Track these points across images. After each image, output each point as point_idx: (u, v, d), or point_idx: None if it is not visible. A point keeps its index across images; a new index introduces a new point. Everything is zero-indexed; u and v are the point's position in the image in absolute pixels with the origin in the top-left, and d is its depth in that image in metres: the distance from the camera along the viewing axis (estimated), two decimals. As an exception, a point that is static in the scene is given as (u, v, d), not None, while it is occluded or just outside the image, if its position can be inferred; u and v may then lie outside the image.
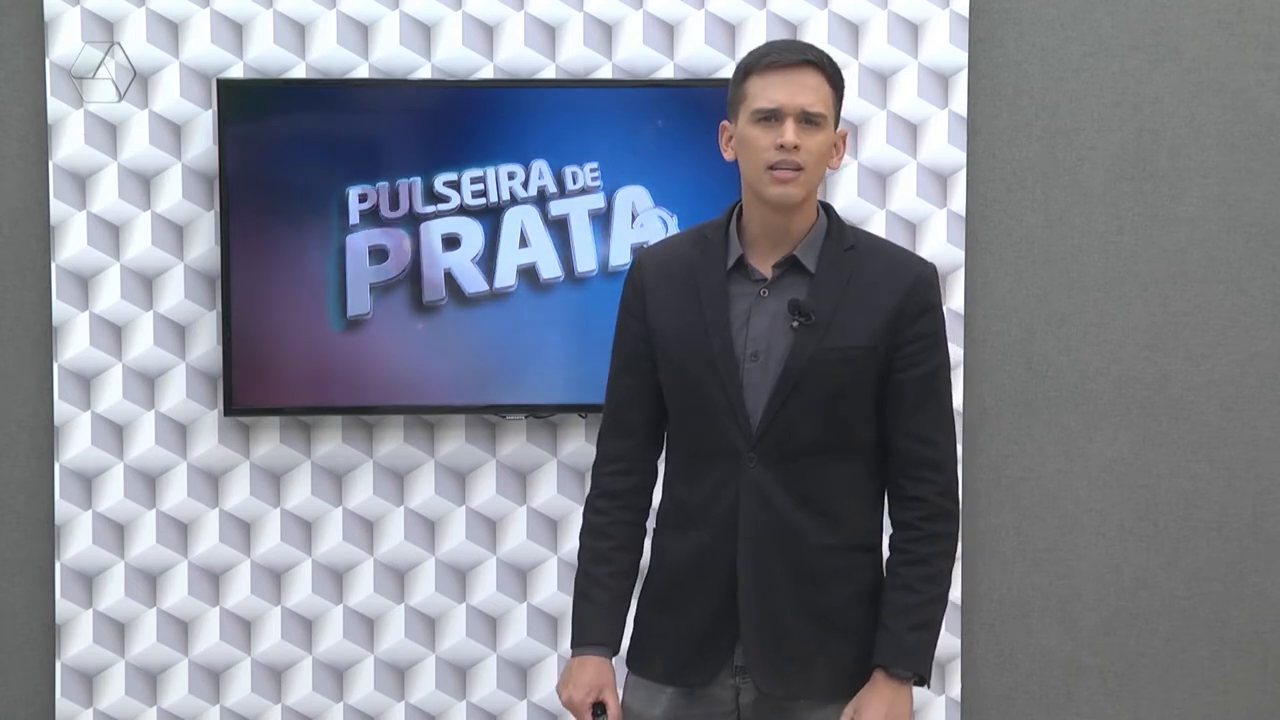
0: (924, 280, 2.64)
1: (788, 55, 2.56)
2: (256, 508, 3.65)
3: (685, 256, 2.68)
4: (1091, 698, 3.81)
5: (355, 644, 3.69)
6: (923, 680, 2.63)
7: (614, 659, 2.72)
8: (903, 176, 3.66)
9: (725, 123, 2.64)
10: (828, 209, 2.67)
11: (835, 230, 2.65)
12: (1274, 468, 3.80)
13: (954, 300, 3.68)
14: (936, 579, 2.64)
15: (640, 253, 2.76)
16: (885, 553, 2.69)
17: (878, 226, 3.64)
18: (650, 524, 2.77)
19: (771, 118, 2.55)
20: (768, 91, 2.55)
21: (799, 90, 2.54)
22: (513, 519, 3.68)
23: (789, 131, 2.53)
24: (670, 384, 2.67)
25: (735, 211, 2.68)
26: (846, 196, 3.63)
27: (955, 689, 3.74)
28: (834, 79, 2.58)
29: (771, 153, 2.54)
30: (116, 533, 3.64)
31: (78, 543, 3.63)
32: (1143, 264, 3.75)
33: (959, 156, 3.67)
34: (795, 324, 2.58)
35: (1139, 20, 3.71)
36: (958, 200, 3.67)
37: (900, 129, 3.66)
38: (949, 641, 3.72)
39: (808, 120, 2.55)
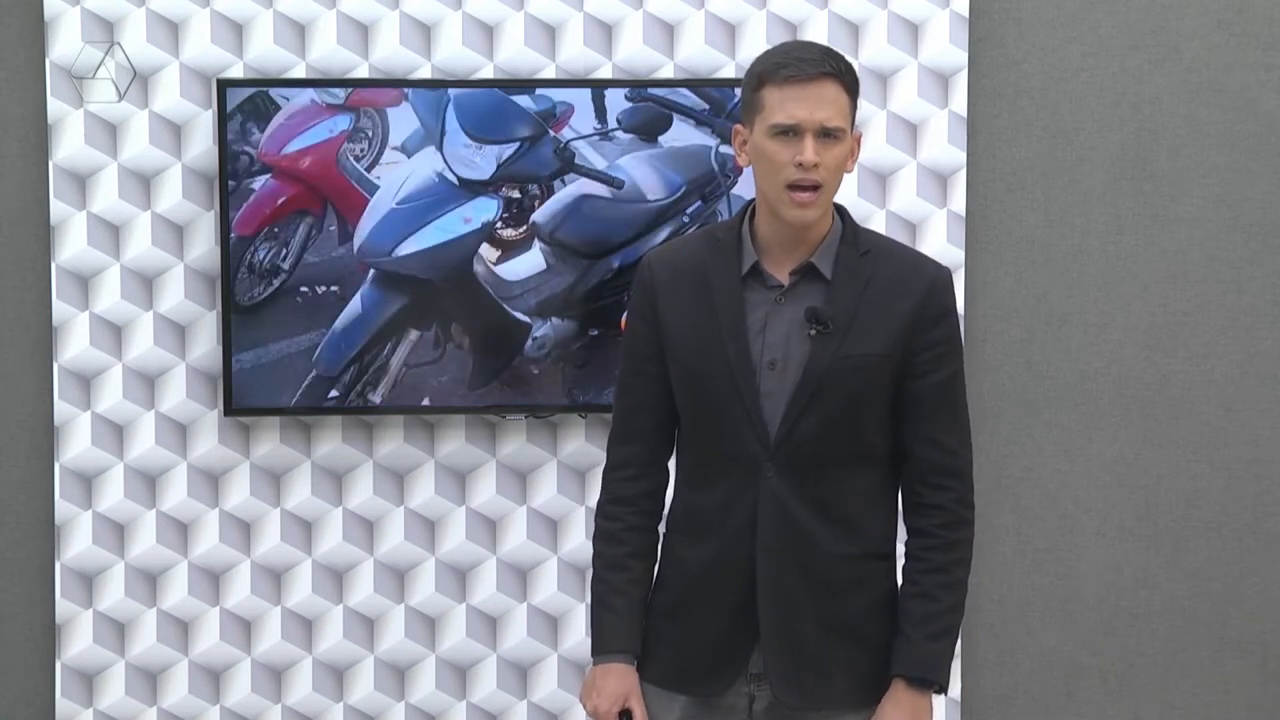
0: (939, 285, 2.63)
1: (805, 68, 2.51)
2: (256, 508, 3.65)
3: (697, 259, 2.65)
4: (1091, 698, 3.81)
5: (355, 644, 3.69)
6: (942, 689, 2.62)
7: (635, 662, 2.71)
8: (903, 176, 3.66)
9: (739, 127, 2.60)
10: (841, 212, 2.65)
11: (850, 234, 2.63)
12: (1274, 468, 3.80)
13: (954, 300, 3.68)
14: (954, 587, 2.63)
15: (648, 253, 2.73)
16: (899, 560, 2.68)
17: (877, 226, 3.63)
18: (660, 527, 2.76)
19: (790, 133, 2.51)
20: (786, 106, 2.51)
21: (818, 105, 2.51)
22: (513, 519, 3.68)
23: (809, 150, 2.50)
24: (683, 389, 2.65)
25: (747, 214, 2.66)
26: (846, 196, 3.63)
27: (955, 689, 3.74)
28: (851, 86, 2.55)
29: (790, 170, 2.51)
30: (116, 533, 3.64)
31: (78, 543, 3.63)
32: (1143, 264, 3.75)
33: (959, 156, 3.67)
34: (813, 332, 2.57)
35: (1139, 20, 3.71)
36: (958, 200, 3.67)
37: (900, 129, 3.66)
38: (949, 641, 3.73)
39: (826, 134, 2.52)
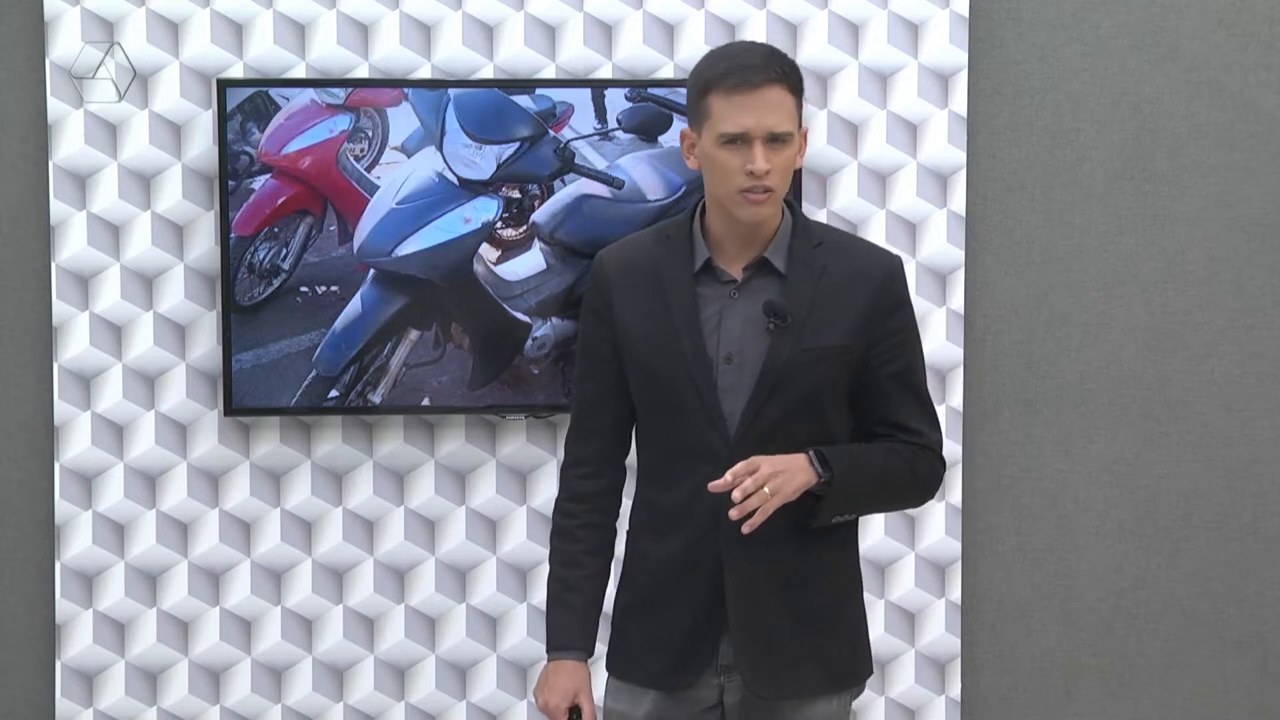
0: (892, 275, 2.66)
1: (750, 76, 2.51)
2: (256, 508, 3.65)
3: (649, 256, 2.67)
4: (1091, 698, 3.81)
5: (355, 644, 3.69)
6: (825, 496, 2.57)
7: (591, 661, 2.74)
8: (903, 176, 3.66)
9: (686, 130, 2.62)
10: (791, 206, 2.66)
11: (801, 228, 2.65)
12: (1274, 467, 3.80)
13: (954, 300, 3.68)
14: (905, 470, 2.64)
15: (601, 252, 2.74)
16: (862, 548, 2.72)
17: (878, 226, 3.64)
18: (622, 525, 2.78)
19: (738, 140, 2.52)
20: (733, 115, 2.52)
21: (765, 112, 2.51)
22: (513, 519, 3.68)
23: (759, 159, 2.51)
24: (640, 386, 2.67)
25: (698, 210, 2.67)
26: (847, 196, 3.63)
27: (955, 689, 3.74)
28: (796, 86, 2.56)
29: (741, 178, 2.53)
30: (116, 533, 3.64)
31: (78, 543, 3.63)
32: (1143, 264, 3.75)
33: (959, 156, 3.67)
34: (771, 326, 2.58)
35: (1139, 20, 3.71)
36: (958, 200, 3.67)
37: (900, 129, 3.66)
38: (949, 641, 3.73)
39: (775, 139, 2.53)
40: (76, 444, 3.62)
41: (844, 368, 2.62)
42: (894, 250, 2.77)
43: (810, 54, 3.61)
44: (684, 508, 2.64)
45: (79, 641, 3.65)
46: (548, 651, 2.75)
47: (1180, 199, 3.74)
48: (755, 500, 2.48)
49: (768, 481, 2.49)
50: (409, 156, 3.53)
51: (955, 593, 3.73)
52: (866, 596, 2.79)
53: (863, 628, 2.75)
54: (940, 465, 2.70)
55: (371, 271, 3.54)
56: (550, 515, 3.67)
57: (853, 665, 2.71)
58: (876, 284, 2.63)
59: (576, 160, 3.53)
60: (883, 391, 2.65)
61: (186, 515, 3.65)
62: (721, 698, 2.68)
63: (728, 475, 2.50)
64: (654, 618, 2.68)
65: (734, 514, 2.49)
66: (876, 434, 2.67)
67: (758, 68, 2.52)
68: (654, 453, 2.70)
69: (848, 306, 2.61)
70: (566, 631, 2.74)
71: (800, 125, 2.58)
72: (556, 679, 2.71)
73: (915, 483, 2.68)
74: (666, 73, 3.62)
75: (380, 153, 3.53)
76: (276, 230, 3.53)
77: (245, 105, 3.51)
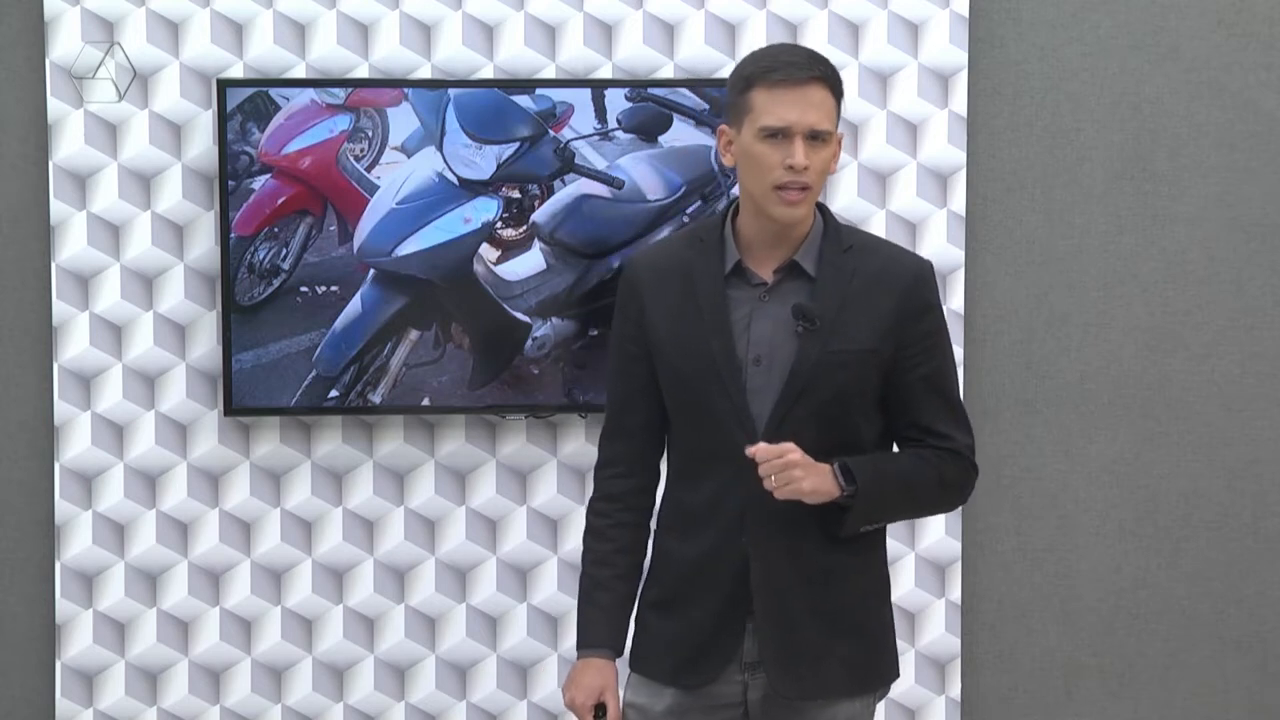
0: (922, 279, 2.67)
1: (795, 72, 2.54)
2: (256, 508, 3.65)
3: (680, 259, 2.68)
4: (1091, 698, 3.81)
5: (355, 644, 3.69)
6: (849, 507, 2.60)
7: (617, 658, 2.74)
8: (903, 176, 3.66)
9: (725, 127, 2.63)
10: (823, 209, 2.68)
11: (832, 231, 2.66)
12: (1274, 467, 3.80)
13: (954, 300, 3.68)
14: (935, 476, 2.65)
15: (633, 255, 2.77)
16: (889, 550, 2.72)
17: (878, 226, 3.64)
18: (651, 524, 2.79)
19: (779, 135, 2.54)
20: (776, 109, 2.54)
21: (807, 109, 2.54)
22: (513, 519, 3.68)
23: (799, 153, 2.53)
24: (670, 387, 2.68)
25: (730, 213, 2.68)
26: (847, 196, 3.63)
27: (955, 689, 3.74)
28: (836, 89, 2.59)
29: (780, 172, 2.54)
30: (116, 533, 3.64)
31: (78, 543, 3.63)
32: (1143, 264, 3.75)
33: (959, 156, 3.67)
34: (800, 329, 2.59)
35: (1139, 20, 3.71)
36: (958, 200, 3.67)
37: (900, 129, 3.66)
38: (949, 641, 3.73)
39: (814, 136, 2.55)
40: (76, 444, 3.62)
41: (872, 371, 2.62)
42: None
43: (810, 54, 3.61)
44: (710, 507, 2.65)
45: (79, 641, 3.65)
46: (577, 649, 2.76)
47: (1180, 199, 3.74)
48: (767, 483, 2.52)
49: (786, 470, 2.51)
50: (409, 156, 3.53)
51: (955, 593, 3.73)
52: (867, 596, 2.80)
53: (888, 629, 2.75)
54: (972, 470, 2.71)
55: (371, 271, 3.54)
56: (550, 515, 3.69)
57: (877, 666, 2.72)
58: (905, 288, 2.64)
59: (576, 160, 3.53)
60: (912, 395, 2.65)
61: (186, 515, 3.65)
62: (745, 695, 2.69)
63: (759, 446, 2.51)
64: (677, 615, 2.70)
65: (751, 450, 2.52)
66: (907, 438, 2.68)
67: (802, 65, 2.55)
68: (682, 452, 2.71)
69: (875, 310, 2.62)
70: (593, 630, 2.75)
71: (837, 129, 2.60)
72: (583, 677, 2.72)
73: (944, 489, 2.69)
74: (666, 73, 3.62)
75: (380, 153, 3.53)
76: (276, 230, 3.53)
77: (245, 105, 3.51)
